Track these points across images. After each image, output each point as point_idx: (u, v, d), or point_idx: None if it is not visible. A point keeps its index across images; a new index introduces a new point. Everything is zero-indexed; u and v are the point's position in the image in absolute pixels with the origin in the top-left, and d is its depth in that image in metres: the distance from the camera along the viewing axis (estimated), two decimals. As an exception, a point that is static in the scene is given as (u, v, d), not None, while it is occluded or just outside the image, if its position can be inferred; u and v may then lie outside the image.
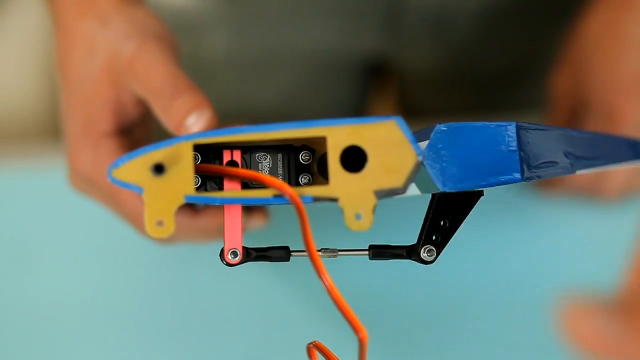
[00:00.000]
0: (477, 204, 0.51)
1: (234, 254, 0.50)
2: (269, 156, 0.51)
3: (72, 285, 0.76)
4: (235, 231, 0.50)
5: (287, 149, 0.51)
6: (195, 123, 0.57)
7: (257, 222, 0.63)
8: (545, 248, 0.77)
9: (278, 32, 0.86)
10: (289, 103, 0.91)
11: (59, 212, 0.79)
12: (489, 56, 0.91)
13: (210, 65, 0.88)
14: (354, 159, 0.49)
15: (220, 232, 0.61)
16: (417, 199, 0.53)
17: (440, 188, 0.49)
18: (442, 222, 0.50)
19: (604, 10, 0.77)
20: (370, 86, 0.96)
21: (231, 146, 0.51)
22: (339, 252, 0.50)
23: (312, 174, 0.52)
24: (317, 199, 0.49)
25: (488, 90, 0.94)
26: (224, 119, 0.59)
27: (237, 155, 0.51)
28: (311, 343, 0.49)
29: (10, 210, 0.79)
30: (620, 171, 0.79)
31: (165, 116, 0.58)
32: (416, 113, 0.92)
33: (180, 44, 0.63)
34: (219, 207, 0.61)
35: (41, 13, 0.94)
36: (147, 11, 0.62)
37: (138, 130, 0.63)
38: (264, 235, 0.62)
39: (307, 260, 0.48)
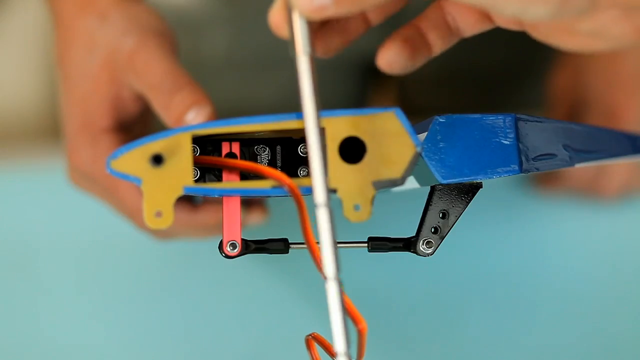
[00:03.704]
0: (475, 197, 0.51)
1: (233, 245, 0.49)
2: (267, 148, 0.51)
3: (72, 284, 0.76)
4: (234, 223, 0.49)
5: (286, 142, 0.51)
6: (195, 118, 0.57)
7: (256, 217, 0.63)
8: (544, 245, 0.77)
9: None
10: (288, 102, 0.91)
11: (59, 212, 0.79)
12: (489, 55, 0.91)
13: (210, 64, 0.88)
14: (352, 150, 0.49)
15: (219, 228, 0.61)
16: (416, 191, 0.53)
17: (439, 179, 0.49)
18: (440, 215, 0.50)
19: None
20: (369, 85, 0.96)
21: (230, 138, 0.51)
22: (338, 244, 0.50)
23: None
24: None
25: (488, 90, 0.94)
26: (223, 117, 0.59)
27: (235, 148, 0.51)
28: (310, 335, 0.49)
29: (10, 210, 0.79)
30: (620, 170, 0.79)
31: (165, 112, 0.58)
32: (415, 112, 0.92)
33: (180, 43, 0.63)
34: (218, 202, 0.61)
35: (41, 13, 0.94)
36: (147, 7, 0.63)
37: (137, 126, 0.63)
38: (263, 228, 0.62)
39: (306, 252, 0.47)
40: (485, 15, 0.48)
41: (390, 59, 0.49)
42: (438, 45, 0.50)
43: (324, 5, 0.43)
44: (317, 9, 0.44)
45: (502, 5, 0.43)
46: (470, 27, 0.49)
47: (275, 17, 0.47)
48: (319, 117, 0.44)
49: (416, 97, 0.95)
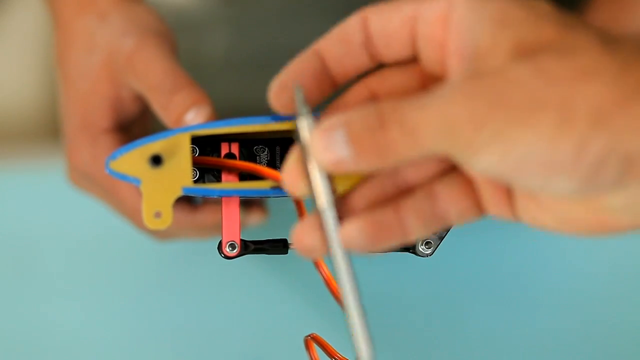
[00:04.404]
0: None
1: (232, 246, 0.49)
2: (267, 149, 0.51)
3: (72, 284, 0.76)
4: (233, 224, 0.49)
5: (285, 142, 0.51)
6: (194, 119, 0.57)
7: (255, 218, 0.63)
8: (544, 245, 0.77)
9: (278, 31, 0.86)
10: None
11: (59, 212, 0.79)
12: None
13: (210, 64, 0.88)
14: None
15: (218, 228, 0.61)
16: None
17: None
18: (440, 215, 0.50)
19: (604, 9, 0.77)
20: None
21: (229, 139, 0.51)
22: None
23: None
24: None
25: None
26: (222, 118, 0.59)
27: (235, 148, 0.51)
28: (309, 335, 0.49)
29: (10, 210, 0.79)
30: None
31: (164, 112, 0.58)
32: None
33: (179, 43, 0.63)
34: (217, 203, 0.61)
35: (41, 13, 0.94)
36: (146, 7, 0.63)
37: (137, 127, 0.63)
38: (262, 229, 0.62)
39: (305, 253, 0.47)
40: (478, 203, 0.43)
41: (349, 236, 0.41)
42: (417, 232, 0.43)
43: (341, 159, 0.39)
44: (335, 162, 0.40)
45: (523, 176, 0.38)
46: (459, 214, 0.43)
47: (290, 175, 0.43)
48: (354, 279, 0.42)
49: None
